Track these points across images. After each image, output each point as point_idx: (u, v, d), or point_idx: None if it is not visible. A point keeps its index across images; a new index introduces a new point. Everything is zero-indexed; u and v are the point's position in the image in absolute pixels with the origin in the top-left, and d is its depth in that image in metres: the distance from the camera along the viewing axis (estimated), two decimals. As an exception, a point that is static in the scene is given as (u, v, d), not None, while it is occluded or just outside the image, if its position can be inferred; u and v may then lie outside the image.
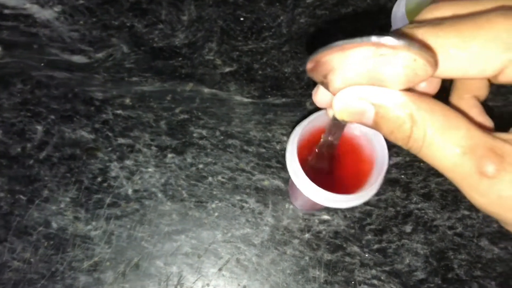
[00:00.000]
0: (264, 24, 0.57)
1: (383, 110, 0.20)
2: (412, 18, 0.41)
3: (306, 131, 0.38)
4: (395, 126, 0.20)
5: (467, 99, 0.25)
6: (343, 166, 0.41)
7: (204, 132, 0.52)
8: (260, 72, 0.55)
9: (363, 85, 0.20)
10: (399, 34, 0.20)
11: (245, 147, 0.51)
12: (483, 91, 0.25)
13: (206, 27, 0.56)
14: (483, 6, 0.20)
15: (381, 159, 0.36)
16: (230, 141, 0.52)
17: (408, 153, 0.52)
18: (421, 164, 0.52)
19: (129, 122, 0.51)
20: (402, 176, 0.52)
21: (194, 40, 0.56)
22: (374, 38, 0.17)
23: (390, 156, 0.51)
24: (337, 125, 0.27)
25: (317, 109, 0.49)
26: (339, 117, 0.21)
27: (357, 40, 0.18)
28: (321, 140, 0.31)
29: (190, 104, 0.53)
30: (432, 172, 0.52)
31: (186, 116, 0.52)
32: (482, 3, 0.20)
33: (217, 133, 0.52)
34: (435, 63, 0.18)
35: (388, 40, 0.17)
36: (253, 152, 0.51)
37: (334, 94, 0.21)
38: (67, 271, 0.46)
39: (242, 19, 0.57)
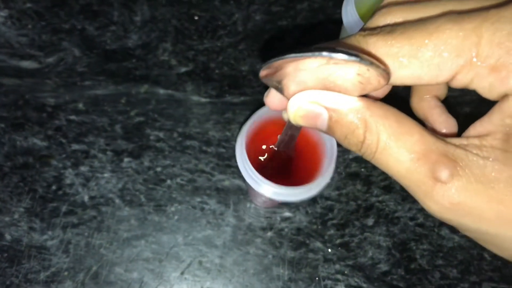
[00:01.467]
0: (219, 23, 0.57)
1: (337, 115, 0.20)
2: (361, 12, 0.41)
3: (255, 125, 0.37)
4: (349, 131, 0.20)
5: (428, 100, 0.25)
6: (299, 161, 0.41)
7: (161, 134, 0.51)
8: (217, 71, 0.54)
9: (318, 90, 0.20)
10: (351, 44, 0.20)
11: (204, 148, 0.51)
12: (442, 91, 0.25)
13: (160, 27, 0.55)
14: (432, 11, 0.20)
15: (330, 151, 0.36)
16: (188, 142, 0.51)
17: (367, 146, 0.53)
18: (381, 156, 0.52)
19: (83, 128, 0.50)
20: (362, 169, 0.52)
21: (148, 41, 0.55)
22: (325, 53, 0.17)
23: (349, 150, 0.51)
24: (293, 127, 0.27)
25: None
26: (294, 121, 0.21)
27: (309, 54, 0.18)
28: (278, 140, 0.31)
29: (145, 106, 0.52)
30: (392, 164, 0.52)
31: (142, 119, 0.51)
32: (432, 7, 0.20)
33: (175, 135, 0.51)
34: (387, 75, 0.18)
35: (339, 56, 0.17)
36: (212, 153, 0.51)
37: (288, 99, 0.21)
38: (22, 284, 0.45)
39: (196, 18, 0.57)
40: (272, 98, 0.24)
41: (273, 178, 0.35)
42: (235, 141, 0.47)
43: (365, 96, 0.20)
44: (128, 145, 0.50)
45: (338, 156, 0.52)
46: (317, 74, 0.19)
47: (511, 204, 0.18)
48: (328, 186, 0.51)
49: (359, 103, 0.20)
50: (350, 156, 0.52)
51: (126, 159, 0.50)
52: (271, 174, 0.35)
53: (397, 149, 0.19)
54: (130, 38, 0.54)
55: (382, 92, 0.24)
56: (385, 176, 0.52)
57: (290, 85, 0.21)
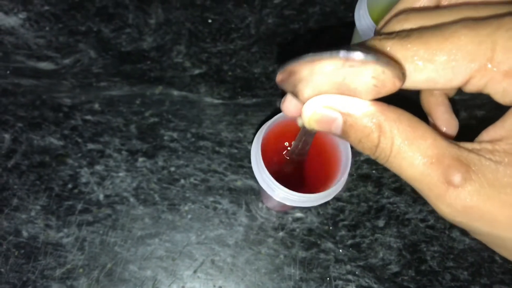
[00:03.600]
0: (232, 26, 0.58)
1: (351, 119, 0.20)
2: (374, 15, 0.42)
3: (270, 131, 0.38)
4: (363, 135, 0.20)
5: (437, 96, 0.26)
6: (312, 167, 0.41)
7: (175, 135, 0.52)
8: (229, 73, 0.55)
9: (333, 94, 0.20)
10: (368, 46, 0.20)
11: (217, 148, 0.52)
12: (452, 90, 0.26)
13: (174, 30, 0.56)
14: (448, 18, 0.20)
15: (345, 159, 0.36)
16: (201, 143, 0.52)
17: (378, 148, 0.53)
18: (392, 158, 0.53)
19: (99, 128, 0.51)
20: (374, 171, 0.52)
21: (162, 43, 0.56)
22: (343, 53, 0.17)
23: (361, 152, 0.52)
24: (307, 133, 0.27)
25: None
26: (308, 125, 0.22)
27: (326, 54, 0.18)
28: (292, 146, 0.31)
29: (160, 107, 0.53)
30: (403, 166, 0.53)
31: (156, 120, 0.52)
32: (447, 15, 0.20)
33: (188, 135, 0.52)
34: (403, 76, 0.19)
35: (356, 55, 0.17)
36: (225, 153, 0.51)
37: (303, 103, 0.21)
38: (39, 279, 0.45)
39: (210, 21, 0.57)
40: (288, 104, 0.24)
41: (287, 182, 0.36)
42: (248, 142, 0.48)
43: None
44: (142, 145, 0.51)
45: (349, 158, 0.52)
46: (332, 78, 0.19)
47: None
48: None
49: (373, 107, 0.20)
50: (362, 158, 0.53)
51: (140, 159, 0.50)
52: (285, 179, 0.36)
53: (411, 153, 0.19)
54: (145, 40, 0.55)
55: None
56: (396, 178, 0.52)
57: (305, 89, 0.21)
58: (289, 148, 0.37)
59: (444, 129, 0.26)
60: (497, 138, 0.20)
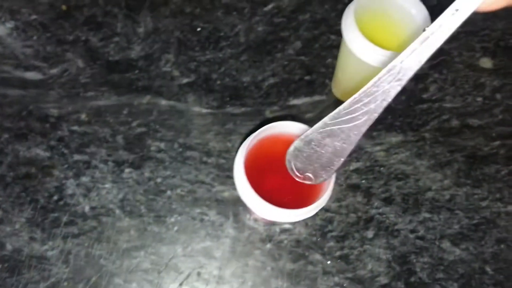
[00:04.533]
0: (222, 34, 0.57)
1: None
2: (361, 25, 0.41)
3: (257, 142, 0.38)
4: None
5: None
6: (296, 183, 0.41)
7: (162, 145, 0.51)
8: (218, 82, 0.55)
9: None
10: None
11: (205, 159, 0.51)
12: None
13: (163, 38, 0.56)
14: None
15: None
16: (189, 153, 0.51)
17: (368, 158, 0.53)
18: (381, 168, 0.52)
19: (85, 138, 0.51)
20: (363, 181, 0.52)
21: (151, 52, 0.55)
22: None
23: (350, 162, 0.51)
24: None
25: (274, 119, 0.49)
26: None
27: None
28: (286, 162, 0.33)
29: (147, 117, 0.52)
30: (393, 176, 0.52)
31: (143, 130, 0.52)
32: None
33: (176, 146, 0.51)
34: None
35: None
36: (212, 163, 0.51)
37: None
38: (23, 293, 0.45)
39: (199, 29, 0.57)
40: None
41: (273, 196, 0.35)
42: (236, 152, 0.47)
43: None
44: (129, 155, 0.50)
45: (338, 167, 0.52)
46: None
47: None
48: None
49: None
50: (351, 168, 0.52)
51: (127, 170, 0.50)
52: (270, 193, 0.36)
53: None
54: (133, 49, 0.55)
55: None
56: (386, 188, 0.52)
57: None
58: None
59: None
60: None
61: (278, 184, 0.42)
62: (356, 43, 0.42)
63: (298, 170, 0.33)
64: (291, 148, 0.33)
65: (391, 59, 0.40)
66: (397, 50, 0.46)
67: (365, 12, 0.45)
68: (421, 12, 0.43)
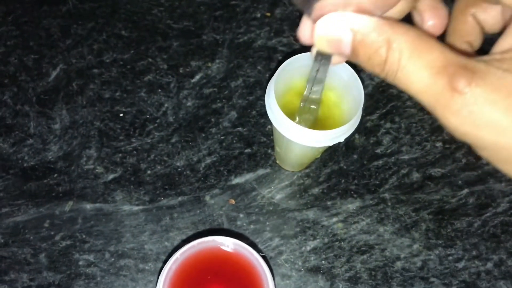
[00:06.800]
0: (147, 116, 0.52)
1: (361, 35, 0.21)
2: (279, 99, 0.36)
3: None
4: (372, 51, 0.21)
5: (460, 44, 0.26)
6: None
7: (91, 258, 0.45)
8: (148, 172, 0.49)
9: (342, 12, 0.21)
10: None
11: (141, 266, 0.45)
12: (476, 38, 0.26)
13: (82, 132, 0.51)
14: None
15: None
16: (122, 262, 0.45)
17: (326, 233, 0.47)
18: (342, 243, 0.47)
19: (2, 264, 0.45)
20: (323, 261, 0.46)
21: (70, 150, 0.50)
22: None
23: (306, 241, 0.46)
24: (321, 60, 0.28)
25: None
26: (319, 45, 0.22)
27: None
28: (305, 91, 0.34)
29: (71, 227, 0.46)
30: (356, 250, 0.46)
31: (68, 243, 0.46)
32: None
33: (107, 255, 0.45)
34: None
35: None
36: (150, 270, 0.45)
37: (314, 22, 0.22)
38: None
39: (121, 114, 0.52)
40: (303, 28, 0.26)
41: None
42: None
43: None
44: (55, 276, 0.44)
45: (294, 250, 0.46)
46: None
47: None
48: (287, 287, 0.45)
49: (381, 22, 0.20)
50: (308, 248, 0.47)
51: (53, 294, 0.44)
52: None
53: (418, 65, 0.19)
54: (50, 150, 0.49)
55: (439, 27, 0.26)
56: (349, 266, 0.46)
57: (317, 8, 0.22)
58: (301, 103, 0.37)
59: (430, 22, 0.26)
60: (507, 48, 0.20)
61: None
62: (283, 125, 0.37)
63: None
64: None
65: (321, 138, 0.36)
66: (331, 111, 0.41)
67: (287, 83, 0.40)
68: (345, 68, 0.38)
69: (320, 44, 0.22)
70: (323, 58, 0.28)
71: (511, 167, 0.20)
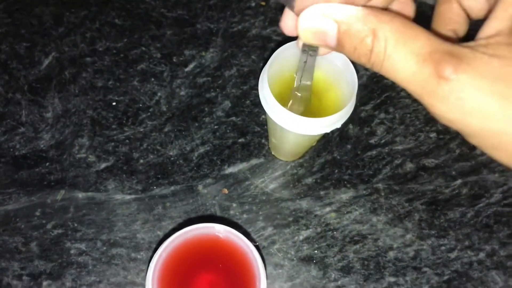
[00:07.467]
0: (140, 105, 0.51)
1: (345, 25, 0.20)
2: (272, 88, 0.36)
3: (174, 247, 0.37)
4: (358, 41, 0.20)
5: (445, 31, 0.26)
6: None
7: (83, 246, 0.45)
8: (141, 161, 0.49)
9: (326, 3, 0.21)
10: None
11: (133, 255, 0.45)
12: (461, 25, 0.26)
13: (74, 120, 0.50)
14: None
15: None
16: (114, 251, 0.45)
17: (318, 223, 0.47)
18: (335, 232, 0.47)
19: (-6, 253, 0.44)
20: (316, 251, 0.46)
21: (62, 139, 0.49)
22: None
23: (299, 230, 0.46)
24: (307, 52, 0.28)
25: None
26: (304, 38, 0.22)
27: None
28: (295, 81, 0.34)
29: (63, 215, 0.46)
30: (348, 240, 0.46)
31: (60, 231, 0.45)
32: None
33: (99, 244, 0.45)
34: None
35: None
36: (142, 259, 0.45)
37: (298, 14, 0.22)
38: None
39: (114, 103, 0.51)
40: (286, 20, 0.26)
41: None
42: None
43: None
44: (46, 265, 0.44)
45: (286, 240, 0.46)
46: None
47: None
48: (280, 276, 0.45)
49: (366, 11, 0.20)
50: (301, 237, 0.47)
51: (45, 283, 0.44)
52: None
53: (404, 53, 0.19)
54: (42, 138, 0.49)
55: (408, 10, 0.26)
56: (342, 255, 0.46)
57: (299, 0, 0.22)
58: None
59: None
60: (493, 33, 0.20)
61: (211, 282, 0.37)
62: (277, 115, 0.37)
63: None
64: None
65: (316, 125, 0.35)
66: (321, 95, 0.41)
67: (280, 71, 0.40)
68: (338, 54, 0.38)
69: (305, 36, 0.22)
70: (310, 49, 0.28)
71: (500, 153, 0.20)
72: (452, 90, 0.18)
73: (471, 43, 0.20)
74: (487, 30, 0.20)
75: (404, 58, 0.19)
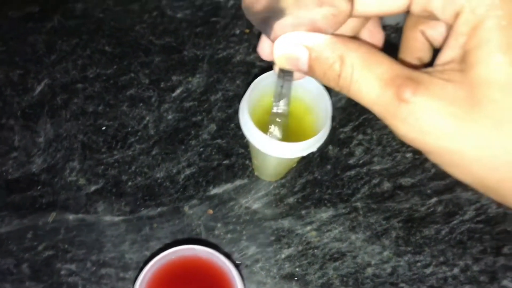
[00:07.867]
0: (129, 129, 0.54)
1: (316, 52, 0.22)
2: (253, 114, 0.38)
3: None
4: (327, 66, 0.22)
5: (411, 59, 0.28)
6: None
7: (73, 267, 0.47)
8: (129, 183, 0.51)
9: (298, 32, 0.23)
10: None
11: (122, 274, 0.47)
12: (426, 53, 0.28)
13: (66, 145, 0.52)
14: None
15: None
16: (103, 271, 0.47)
17: (300, 241, 0.49)
18: (315, 250, 0.49)
19: (-14, 275, 0.46)
20: (297, 269, 0.48)
21: (53, 163, 0.51)
22: None
23: (281, 249, 0.48)
24: (283, 76, 0.30)
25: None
26: (279, 63, 0.24)
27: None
28: (273, 99, 0.34)
29: (54, 237, 0.48)
30: (328, 258, 0.48)
31: (51, 253, 0.47)
32: None
33: (88, 265, 0.47)
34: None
35: None
36: (131, 279, 0.47)
37: (273, 41, 0.24)
38: None
39: (104, 128, 0.53)
40: (262, 45, 0.28)
41: None
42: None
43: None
44: (37, 286, 0.46)
45: (269, 258, 0.48)
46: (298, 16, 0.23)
47: (469, 120, 0.19)
48: (262, 293, 0.47)
49: (334, 39, 0.22)
50: (283, 256, 0.49)
51: (36, 303, 0.45)
52: None
53: (369, 78, 0.21)
54: (34, 162, 0.51)
55: (377, 40, 0.28)
56: (322, 272, 0.48)
57: (275, 28, 0.24)
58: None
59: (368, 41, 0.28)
60: (448, 60, 0.21)
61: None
62: (257, 139, 0.39)
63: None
64: None
65: (292, 149, 0.38)
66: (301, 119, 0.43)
67: (261, 98, 0.43)
68: (312, 81, 0.40)
69: (280, 62, 0.24)
70: (286, 74, 0.30)
71: (456, 170, 0.22)
72: (411, 111, 0.20)
73: (429, 69, 0.21)
74: (442, 57, 0.22)
75: (369, 83, 0.21)
